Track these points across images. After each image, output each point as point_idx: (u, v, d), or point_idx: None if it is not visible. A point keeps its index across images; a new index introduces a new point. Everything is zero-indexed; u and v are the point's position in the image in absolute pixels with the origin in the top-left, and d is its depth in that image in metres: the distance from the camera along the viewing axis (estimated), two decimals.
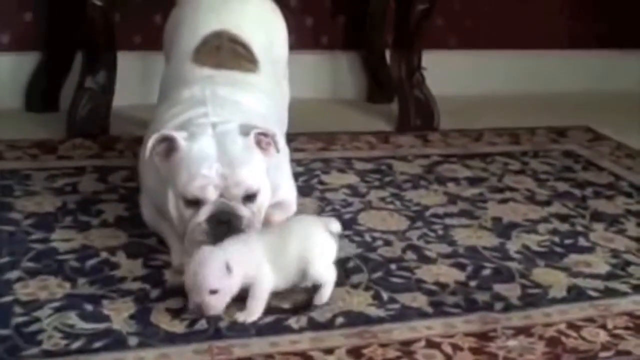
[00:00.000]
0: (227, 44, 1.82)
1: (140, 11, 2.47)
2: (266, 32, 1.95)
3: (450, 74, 2.81)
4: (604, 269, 1.70)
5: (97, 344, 1.31)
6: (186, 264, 1.39)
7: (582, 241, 1.82)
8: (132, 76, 2.43)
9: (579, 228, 1.89)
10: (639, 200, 2.08)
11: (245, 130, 1.52)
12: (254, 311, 1.40)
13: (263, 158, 1.55)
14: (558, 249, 1.77)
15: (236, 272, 1.37)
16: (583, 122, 2.69)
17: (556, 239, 1.82)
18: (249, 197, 1.50)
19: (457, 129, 2.52)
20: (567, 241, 1.82)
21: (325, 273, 1.46)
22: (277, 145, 1.53)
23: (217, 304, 1.37)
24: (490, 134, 2.50)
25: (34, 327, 1.33)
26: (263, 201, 1.54)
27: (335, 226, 1.51)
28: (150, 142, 1.51)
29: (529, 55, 3.01)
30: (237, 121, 1.56)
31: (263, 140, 1.54)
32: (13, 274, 1.49)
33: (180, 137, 1.50)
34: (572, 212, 1.98)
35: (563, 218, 1.94)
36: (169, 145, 1.52)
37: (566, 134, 2.56)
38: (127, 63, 2.35)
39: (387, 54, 2.70)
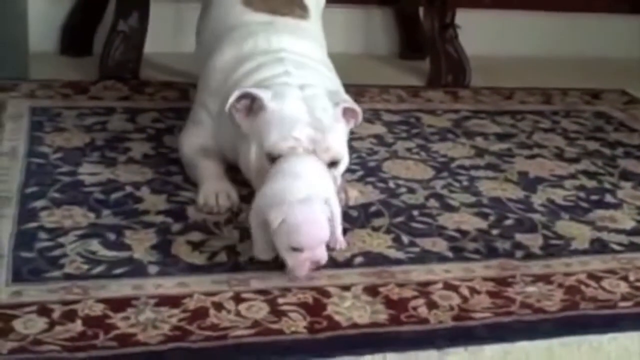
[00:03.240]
0: None
1: None
2: None
3: (485, 33, 2.77)
4: (629, 224, 1.68)
5: (118, 271, 1.33)
6: (279, 224, 1.30)
7: (608, 198, 1.80)
8: (165, 24, 2.44)
9: (607, 185, 1.87)
10: None
11: (334, 99, 1.51)
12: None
13: (346, 128, 1.55)
14: (583, 204, 1.75)
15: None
16: (619, 86, 2.65)
17: (582, 195, 1.80)
18: (333, 164, 1.49)
19: (488, 86, 2.50)
20: (594, 197, 1.80)
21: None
22: (358, 119, 1.54)
23: (325, 251, 1.34)
24: (522, 93, 2.47)
25: (57, 252, 1.36)
26: (343, 168, 1.53)
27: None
28: (231, 98, 1.48)
29: (565, 17, 2.96)
30: (320, 85, 1.55)
31: (348, 112, 1.53)
32: (39, 203, 1.51)
33: (266, 97, 1.48)
34: (600, 170, 1.95)
35: (591, 175, 1.91)
36: (252, 104, 1.49)
37: (600, 97, 2.52)
38: (160, 10, 2.36)
39: (421, 10, 2.67)
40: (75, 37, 2.42)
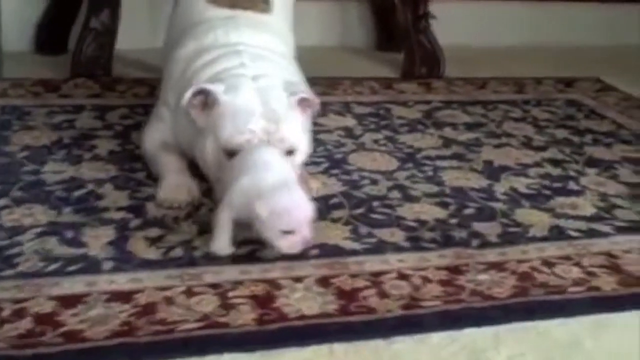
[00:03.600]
0: None
1: None
2: None
3: (460, 23, 2.79)
4: (589, 211, 1.69)
5: (72, 268, 1.34)
6: (268, 213, 1.36)
7: (572, 185, 1.81)
8: (139, 19, 2.45)
9: (571, 173, 1.88)
10: (639, 149, 2.06)
11: (289, 89, 1.53)
12: None
13: (302, 117, 1.55)
14: (546, 192, 1.76)
15: None
16: (594, 74, 2.65)
17: (546, 182, 1.81)
18: (289, 153, 1.51)
19: (462, 77, 2.51)
20: (557, 184, 1.81)
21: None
22: (314, 109, 1.55)
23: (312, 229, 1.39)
24: (496, 83, 2.48)
25: (13, 251, 1.37)
26: (300, 157, 1.55)
27: None
28: (186, 95, 1.49)
29: (542, 7, 2.96)
30: (275, 75, 1.56)
31: (304, 102, 1.55)
32: (0, 202, 1.54)
33: (219, 91, 1.49)
34: (566, 157, 1.96)
35: (556, 163, 1.93)
36: (206, 98, 1.51)
37: (573, 85, 2.53)
38: (134, 6, 2.38)
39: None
40: (50, 35, 2.44)
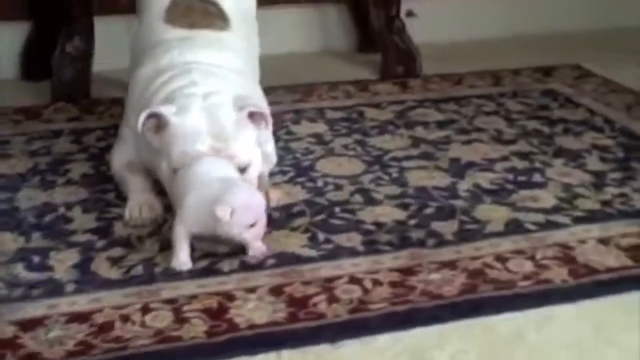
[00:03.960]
0: (197, 4, 1.86)
1: None
2: None
3: (438, 20, 2.81)
4: (550, 203, 1.71)
5: (36, 292, 1.40)
6: (230, 215, 1.42)
7: (536, 177, 1.83)
8: (116, 40, 2.51)
9: (538, 165, 1.90)
10: (610, 135, 2.07)
11: (239, 104, 1.56)
12: None
13: (254, 131, 1.59)
14: (509, 186, 1.79)
15: None
16: (574, 61, 2.65)
17: (510, 177, 1.83)
18: (241, 170, 1.55)
19: (440, 73, 2.53)
20: (521, 178, 1.83)
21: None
22: (267, 122, 1.58)
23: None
24: (472, 77, 2.50)
25: None
26: (254, 171, 1.58)
27: None
28: (140, 119, 1.54)
29: None
30: (226, 92, 1.59)
31: (256, 114, 1.58)
32: None
33: (169, 112, 1.54)
34: (534, 149, 1.98)
35: (524, 156, 1.94)
36: (158, 121, 1.55)
37: (552, 74, 2.53)
38: (110, 27, 2.43)
39: None
40: (33, 61, 2.51)
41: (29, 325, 1.31)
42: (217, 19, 1.86)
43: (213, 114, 1.54)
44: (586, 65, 2.60)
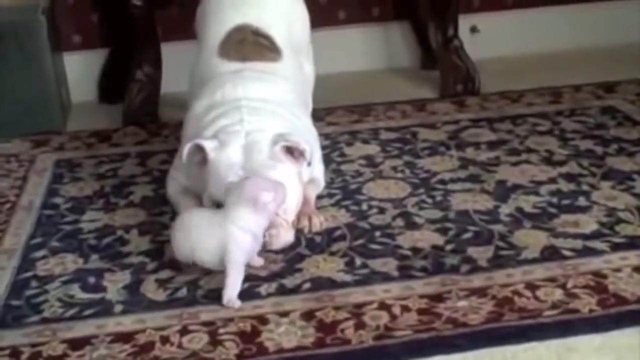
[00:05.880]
0: (250, 37, 1.95)
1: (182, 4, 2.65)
2: (286, 20, 2.06)
3: (503, 34, 2.82)
4: (590, 228, 1.71)
5: (88, 312, 1.52)
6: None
7: (581, 201, 1.83)
8: (183, 63, 2.63)
9: (585, 187, 1.89)
10: None
11: (275, 140, 1.66)
12: None
13: (292, 165, 1.67)
14: (552, 210, 1.79)
15: None
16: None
17: (554, 200, 1.84)
18: None
19: (500, 91, 2.54)
20: (565, 201, 1.83)
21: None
22: (305, 156, 1.66)
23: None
24: (531, 95, 2.49)
25: (41, 298, 1.57)
26: (289, 202, 1.65)
27: None
28: (185, 150, 1.68)
29: (580, 9, 2.92)
30: (271, 129, 1.69)
31: (295, 149, 1.67)
32: (39, 253, 1.73)
33: (210, 147, 1.65)
34: (584, 171, 1.97)
35: (571, 177, 1.94)
36: (202, 154, 1.67)
37: (615, 89, 2.50)
38: (180, 51, 2.55)
39: None
40: (109, 85, 2.66)
41: (77, 343, 1.42)
42: (268, 51, 1.94)
43: (249, 150, 1.63)
44: None
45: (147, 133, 2.36)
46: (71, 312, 1.52)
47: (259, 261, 1.61)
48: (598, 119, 2.29)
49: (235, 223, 1.52)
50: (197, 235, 1.54)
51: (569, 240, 1.66)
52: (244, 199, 1.53)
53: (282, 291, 1.54)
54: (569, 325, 1.40)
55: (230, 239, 1.51)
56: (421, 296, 1.50)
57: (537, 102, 2.45)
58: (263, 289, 1.55)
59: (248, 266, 1.58)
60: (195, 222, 1.56)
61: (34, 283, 1.62)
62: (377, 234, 1.73)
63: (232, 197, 1.54)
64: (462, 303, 1.47)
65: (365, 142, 2.22)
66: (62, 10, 2.62)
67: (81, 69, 2.69)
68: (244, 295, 1.54)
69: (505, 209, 1.81)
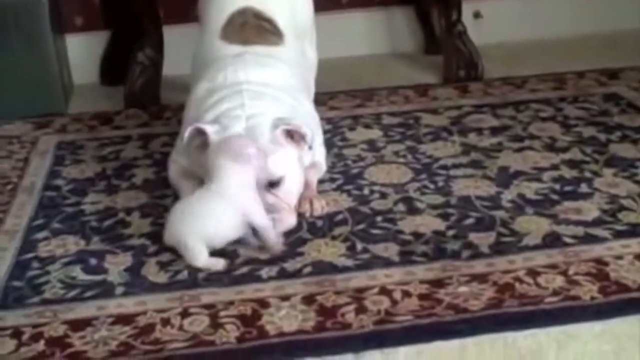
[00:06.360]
0: (252, 20, 1.94)
1: None
2: (289, 4, 2.05)
3: (507, 20, 2.81)
4: (592, 215, 1.71)
5: (89, 293, 1.52)
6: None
7: (583, 188, 1.83)
8: (185, 46, 2.62)
9: (587, 174, 1.89)
10: None
11: (275, 124, 1.66)
12: None
13: (293, 149, 1.68)
14: (554, 197, 1.79)
15: None
16: None
17: (556, 187, 1.83)
18: (273, 184, 1.65)
19: (503, 77, 2.53)
20: (567, 188, 1.83)
21: None
22: (306, 140, 1.66)
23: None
24: (535, 81, 2.49)
25: (42, 279, 1.57)
26: (290, 186, 1.67)
27: None
28: (186, 134, 1.68)
29: None
30: (272, 113, 1.68)
31: (295, 133, 1.67)
32: (41, 234, 1.73)
33: (212, 131, 1.65)
34: (586, 157, 1.97)
35: (574, 164, 1.94)
36: (203, 138, 1.67)
37: (618, 76, 2.49)
38: (181, 34, 2.54)
39: None
40: (110, 67, 2.66)
41: (78, 325, 1.42)
42: (270, 34, 1.93)
43: (251, 134, 1.63)
44: None
45: (148, 116, 2.35)
46: (72, 293, 1.52)
47: (278, 244, 1.61)
48: (601, 105, 2.29)
49: (228, 186, 1.56)
50: (212, 221, 1.57)
51: (570, 227, 1.66)
52: (227, 154, 1.56)
53: (283, 275, 1.54)
54: (569, 312, 1.40)
55: (237, 204, 1.55)
56: (422, 281, 1.50)
57: (540, 88, 2.44)
58: (264, 272, 1.55)
59: (253, 249, 1.59)
60: (199, 208, 1.58)
61: (35, 264, 1.62)
62: (379, 218, 1.73)
63: (214, 157, 1.58)
64: (463, 289, 1.47)
65: (368, 126, 2.22)
66: None
67: (83, 51, 2.68)
68: (245, 278, 1.54)
69: (507, 195, 1.80)
